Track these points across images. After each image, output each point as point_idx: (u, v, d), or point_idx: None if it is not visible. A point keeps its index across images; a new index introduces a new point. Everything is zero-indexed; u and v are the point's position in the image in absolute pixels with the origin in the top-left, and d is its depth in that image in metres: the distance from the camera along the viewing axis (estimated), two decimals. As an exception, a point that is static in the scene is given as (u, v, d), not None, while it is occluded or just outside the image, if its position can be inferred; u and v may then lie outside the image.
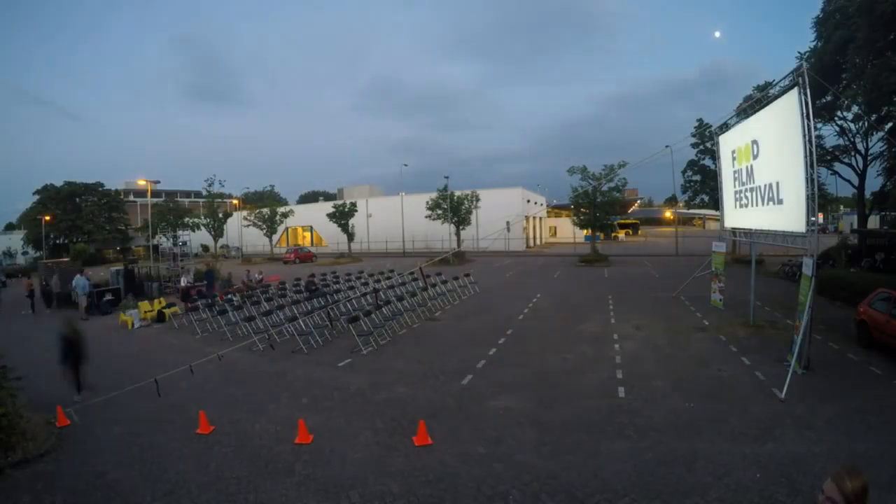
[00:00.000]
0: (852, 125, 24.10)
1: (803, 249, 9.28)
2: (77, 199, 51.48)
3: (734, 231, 14.62)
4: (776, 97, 10.29)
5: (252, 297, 15.26)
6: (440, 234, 39.52)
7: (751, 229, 12.47)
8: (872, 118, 21.68)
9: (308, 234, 55.89)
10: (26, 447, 5.97)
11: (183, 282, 18.39)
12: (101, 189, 53.59)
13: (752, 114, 12.08)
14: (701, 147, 33.29)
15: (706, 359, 9.23)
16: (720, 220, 15.86)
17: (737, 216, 13.79)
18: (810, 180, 8.53)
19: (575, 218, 31.67)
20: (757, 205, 11.82)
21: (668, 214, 65.43)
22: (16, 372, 6.60)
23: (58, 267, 21.61)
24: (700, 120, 33.76)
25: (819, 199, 9.52)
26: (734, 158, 13.41)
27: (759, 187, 11.48)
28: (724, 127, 14.55)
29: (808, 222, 8.68)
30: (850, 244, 21.61)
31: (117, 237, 53.35)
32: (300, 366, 9.78)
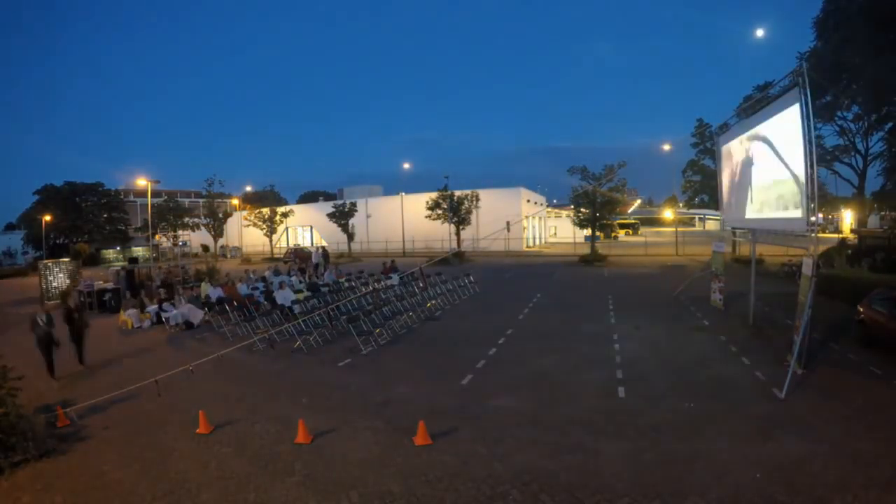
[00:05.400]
0: (852, 125, 24.14)
1: (803, 249, 9.29)
2: (77, 199, 51.48)
3: (734, 231, 14.65)
4: (776, 97, 10.30)
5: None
6: (440, 234, 39.49)
7: (751, 229, 12.48)
8: (872, 118, 21.70)
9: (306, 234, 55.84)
10: (26, 447, 5.96)
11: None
12: (101, 189, 53.59)
13: (751, 114, 12.09)
14: (701, 147, 33.35)
15: (706, 359, 9.23)
16: (720, 220, 15.87)
17: (737, 216, 13.81)
18: (810, 180, 8.54)
19: (575, 218, 31.67)
20: (756, 205, 11.84)
21: (666, 214, 65.42)
22: (16, 372, 6.60)
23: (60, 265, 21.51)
24: (700, 120, 33.83)
25: (819, 199, 9.53)
26: (734, 159, 13.43)
27: (759, 187, 11.50)
28: (724, 127, 14.57)
29: (808, 222, 8.69)
30: (850, 244, 21.61)
31: (117, 237, 53.35)
32: (300, 366, 9.79)
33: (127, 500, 5.14)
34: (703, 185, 35.11)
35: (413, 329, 12.62)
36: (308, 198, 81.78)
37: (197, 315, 14.18)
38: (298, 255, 35.97)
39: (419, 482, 5.23)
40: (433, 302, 15.56)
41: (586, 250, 31.02)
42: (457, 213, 35.37)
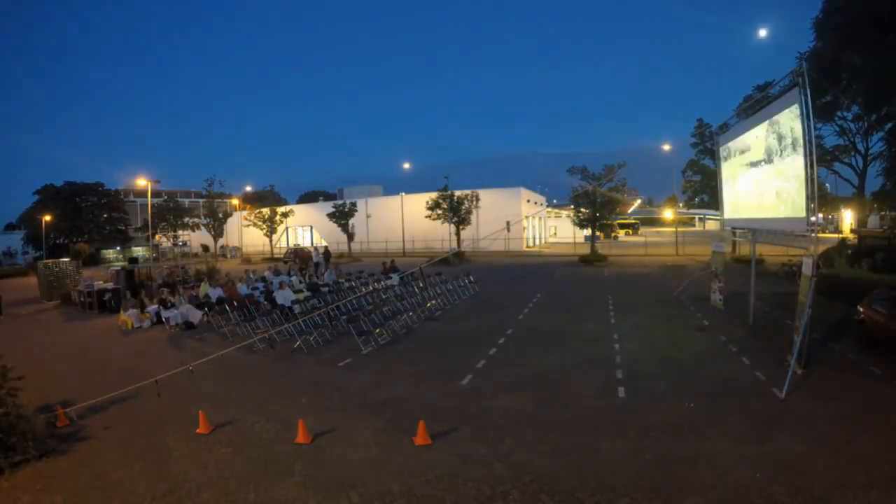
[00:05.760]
0: (852, 125, 24.14)
1: (803, 249, 9.29)
2: (77, 199, 51.50)
3: (734, 231, 14.64)
4: (776, 97, 10.31)
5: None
6: (440, 234, 39.51)
7: (751, 229, 12.48)
8: (872, 118, 21.69)
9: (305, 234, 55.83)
10: (26, 447, 5.96)
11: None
12: (101, 189, 53.61)
13: (751, 114, 12.09)
14: (701, 147, 33.38)
15: (706, 359, 9.24)
16: (720, 220, 15.87)
17: (736, 216, 13.80)
18: (810, 180, 8.54)
19: (575, 218, 31.69)
20: (756, 205, 11.84)
21: (666, 214, 65.41)
22: (16, 372, 6.60)
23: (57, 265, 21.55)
24: (700, 120, 33.87)
25: (819, 200, 9.53)
26: (733, 159, 13.43)
27: (759, 187, 11.49)
28: (724, 127, 14.57)
29: (808, 222, 8.69)
30: (850, 244, 21.59)
31: (117, 237, 53.39)
32: (300, 366, 9.79)
33: (127, 500, 5.14)
34: (703, 185, 35.18)
35: (413, 329, 12.62)
36: (308, 198, 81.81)
37: (196, 315, 14.18)
38: (298, 255, 36.00)
39: (419, 482, 5.23)
40: (433, 302, 15.56)
41: (586, 250, 31.02)
42: (457, 213, 35.37)
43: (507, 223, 30.55)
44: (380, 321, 12.30)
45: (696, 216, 75.74)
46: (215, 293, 15.29)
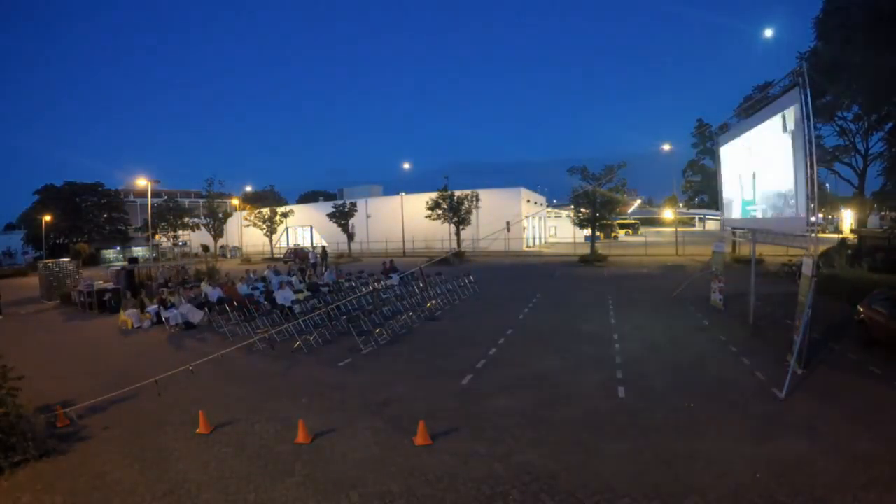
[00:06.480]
0: (852, 125, 24.14)
1: (803, 249, 9.29)
2: (77, 199, 51.51)
3: (734, 231, 14.64)
4: (776, 97, 10.30)
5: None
6: (440, 235, 39.51)
7: (751, 229, 12.48)
8: (872, 118, 21.70)
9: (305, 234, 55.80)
10: (26, 447, 5.96)
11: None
12: (101, 189, 53.62)
13: (752, 114, 12.10)
14: (701, 147, 33.39)
15: (706, 359, 9.24)
16: (720, 220, 15.87)
17: (736, 216, 13.80)
18: (810, 180, 8.54)
19: (575, 218, 31.67)
20: (756, 205, 11.84)
21: (666, 214, 65.38)
22: (16, 372, 6.60)
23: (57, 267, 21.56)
24: (700, 120, 33.88)
25: (819, 200, 9.52)
26: (733, 159, 13.43)
27: (759, 187, 11.50)
28: (724, 127, 14.59)
29: (808, 222, 8.69)
30: (850, 244, 21.58)
31: (117, 237, 53.40)
32: (300, 365, 9.79)
33: (127, 500, 5.14)
34: (703, 185, 35.18)
35: (413, 329, 12.62)
36: (308, 198, 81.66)
37: (196, 315, 14.17)
38: (298, 256, 35.94)
39: (419, 482, 5.23)
40: (433, 302, 15.55)
41: (586, 250, 30.99)
42: (457, 213, 35.36)
43: (507, 223, 30.48)
44: (380, 321, 12.30)
45: (696, 216, 75.63)
46: (215, 293, 15.29)
